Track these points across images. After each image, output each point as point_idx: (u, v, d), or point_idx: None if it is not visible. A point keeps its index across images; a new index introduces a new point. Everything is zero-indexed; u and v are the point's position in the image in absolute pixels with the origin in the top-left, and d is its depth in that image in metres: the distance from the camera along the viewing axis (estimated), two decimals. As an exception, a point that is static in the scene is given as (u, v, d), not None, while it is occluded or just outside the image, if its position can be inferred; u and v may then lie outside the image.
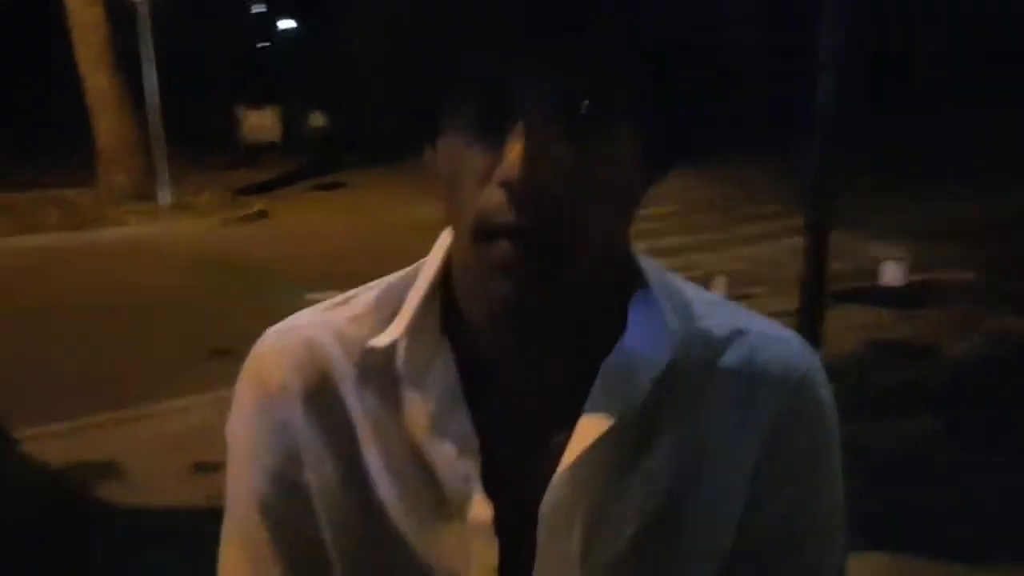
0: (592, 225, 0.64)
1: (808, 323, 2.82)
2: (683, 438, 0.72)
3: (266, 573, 0.73)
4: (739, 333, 0.75)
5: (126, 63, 11.87)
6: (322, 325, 0.77)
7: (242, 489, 0.76)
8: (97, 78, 11.73)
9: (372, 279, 0.81)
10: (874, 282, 8.08)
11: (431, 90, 0.65)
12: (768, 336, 0.76)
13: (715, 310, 0.77)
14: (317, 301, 0.82)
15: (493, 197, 0.62)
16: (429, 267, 0.75)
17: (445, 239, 0.75)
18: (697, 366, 0.73)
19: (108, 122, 12.00)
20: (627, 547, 0.71)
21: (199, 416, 5.04)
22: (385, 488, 0.72)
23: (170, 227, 11.29)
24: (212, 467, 4.39)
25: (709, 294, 0.80)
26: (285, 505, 0.74)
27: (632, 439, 0.71)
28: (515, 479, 0.71)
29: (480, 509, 0.70)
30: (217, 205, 12.30)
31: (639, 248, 0.77)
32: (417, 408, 0.72)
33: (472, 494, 0.70)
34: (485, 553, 0.70)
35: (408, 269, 0.78)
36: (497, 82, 0.61)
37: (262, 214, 12.36)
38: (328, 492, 0.73)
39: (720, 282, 6.84)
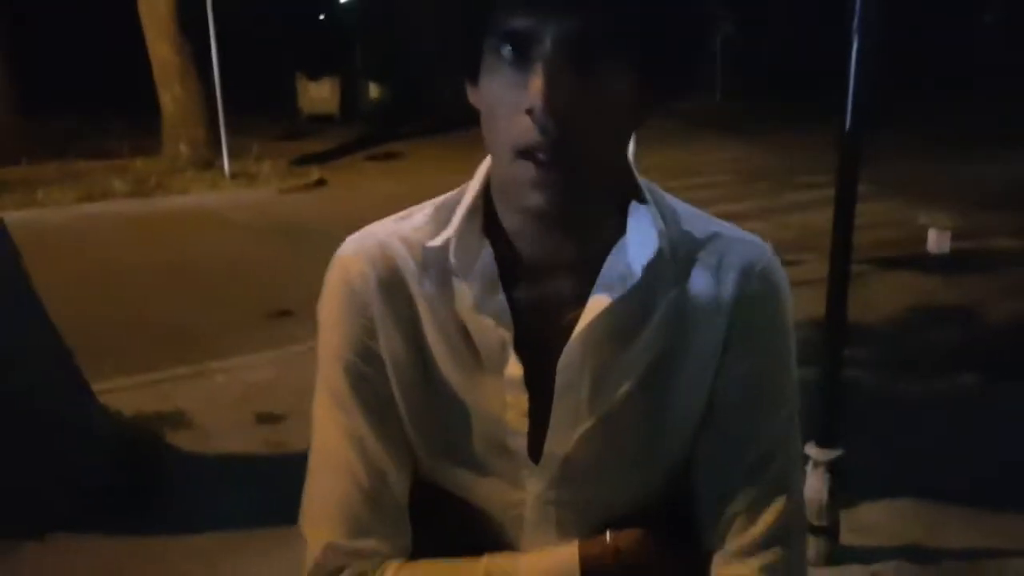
0: (597, 143, 0.83)
1: (836, 289, 2.96)
2: (669, 316, 0.92)
3: (348, 417, 0.94)
4: (715, 236, 0.95)
5: (190, 34, 12.21)
6: (390, 232, 0.98)
7: (329, 354, 0.96)
8: (162, 49, 12.11)
9: None
10: (921, 249, 8.09)
11: (474, 39, 0.85)
12: (737, 238, 0.96)
13: (697, 218, 0.97)
14: None
15: (522, 123, 0.81)
16: (473, 186, 0.96)
17: (484, 166, 0.96)
18: (681, 259, 0.93)
19: (172, 93, 12.38)
20: (624, 400, 0.91)
21: (262, 372, 5.34)
22: (440, 354, 0.93)
23: (232, 195, 11.66)
24: (273, 418, 4.69)
25: (694, 208, 1.00)
26: (363, 366, 0.94)
27: (629, 314, 0.91)
28: (540, 345, 0.92)
29: (513, 368, 0.91)
30: (277, 174, 12.64)
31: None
32: (464, 292, 0.92)
33: (507, 356, 0.91)
34: (518, 401, 0.91)
35: (455, 191, 0.99)
36: (524, 31, 0.81)
37: (320, 183, 12.67)
38: (396, 356, 0.94)
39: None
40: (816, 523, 3.12)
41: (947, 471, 3.78)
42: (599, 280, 0.91)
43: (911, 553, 3.19)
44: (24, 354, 3.74)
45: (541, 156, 0.81)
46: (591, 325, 0.89)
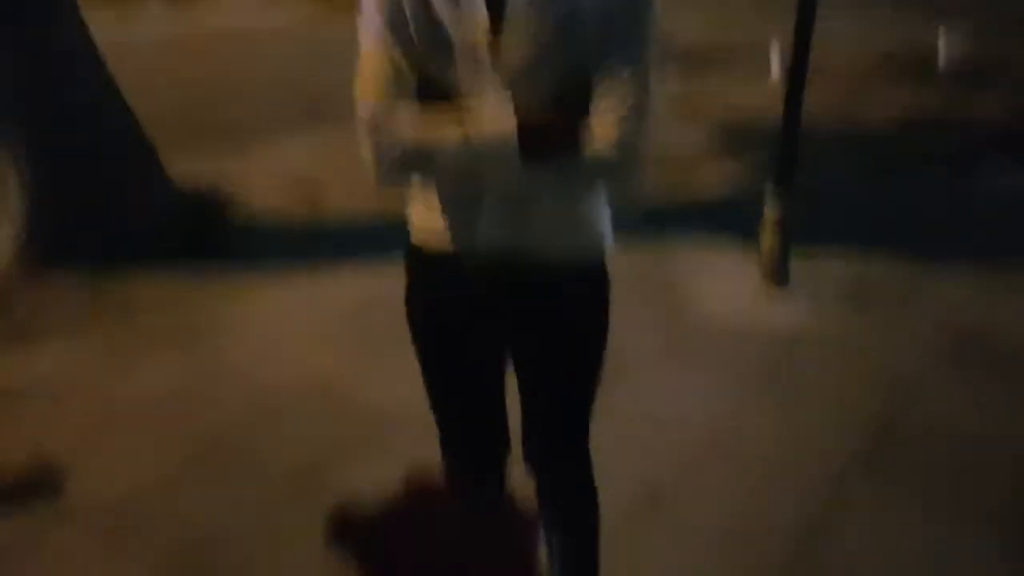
0: None
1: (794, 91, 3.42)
2: None
3: (383, 41, 1.44)
4: None
5: None
6: None
7: (370, 32, 1.47)
8: None
9: None
10: (932, 64, 8.36)
11: None
12: None
13: None
14: None
15: None
16: None
17: None
18: None
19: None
20: (552, 34, 1.40)
21: (299, 157, 5.94)
22: (440, 7, 1.40)
23: (262, 10, 11.96)
24: (313, 187, 5.33)
25: None
26: (393, 14, 1.42)
27: None
28: (498, 3, 1.39)
29: (481, 13, 1.39)
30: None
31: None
32: None
33: (481, 8, 1.39)
34: (484, 22, 1.40)
35: None
36: None
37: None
38: (413, 10, 1.41)
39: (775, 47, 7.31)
40: (770, 263, 3.73)
41: (890, 236, 4.37)
42: None
43: (853, 294, 3.80)
44: (116, 140, 4.48)
45: None
46: None
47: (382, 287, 3.93)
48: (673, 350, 3.43)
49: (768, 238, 3.73)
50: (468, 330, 1.64)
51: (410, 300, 1.70)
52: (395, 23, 1.44)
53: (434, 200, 1.55)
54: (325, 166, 5.72)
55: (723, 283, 3.90)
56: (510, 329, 1.63)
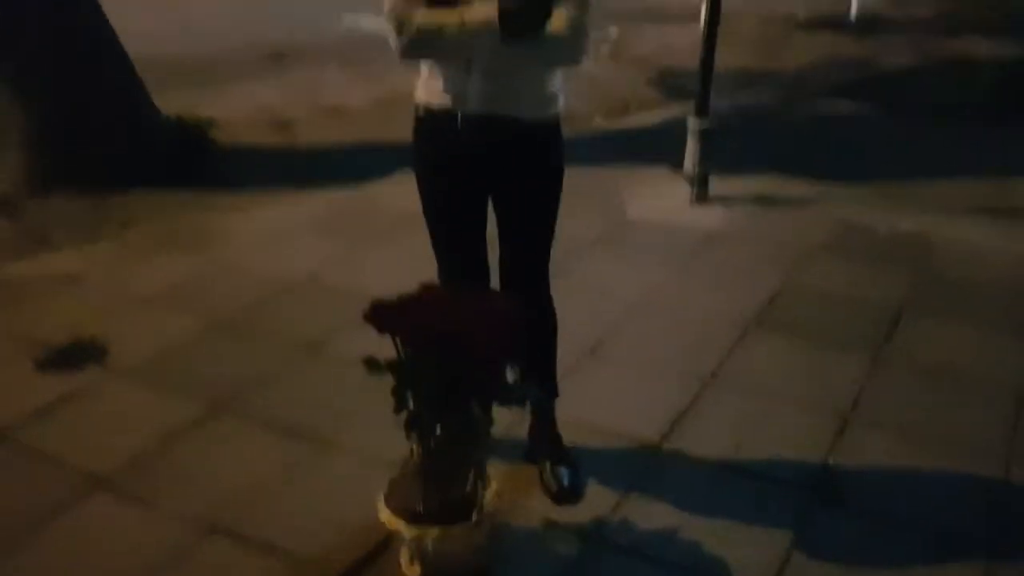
0: None
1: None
2: None
3: None
4: None
5: None
6: None
7: None
8: None
9: None
10: (846, 15, 9.14)
11: None
12: None
13: None
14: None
15: None
16: None
17: None
18: None
19: None
20: None
21: (270, 95, 6.43)
22: None
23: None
24: (283, 121, 5.84)
25: None
26: None
27: None
28: None
29: None
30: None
31: None
32: None
33: None
34: None
35: None
36: None
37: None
38: None
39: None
40: (691, 174, 4.39)
41: (801, 156, 5.08)
42: None
43: (758, 199, 4.50)
44: (112, 77, 4.98)
45: None
46: None
47: (352, 200, 4.58)
48: (613, 241, 4.10)
49: (690, 158, 4.38)
50: (459, 173, 2.24)
51: (416, 151, 2.29)
52: None
53: (437, 71, 2.14)
54: (291, 100, 6.24)
55: (654, 194, 4.56)
56: (491, 173, 2.23)
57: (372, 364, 2.04)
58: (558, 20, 2.01)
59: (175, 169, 4.92)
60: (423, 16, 2.01)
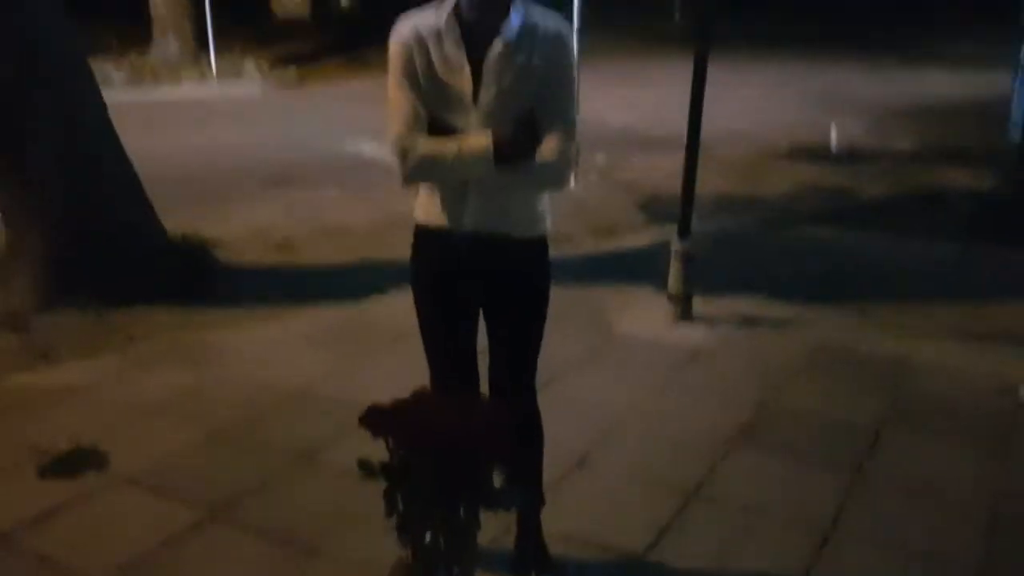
0: None
1: (693, 130, 4.33)
2: (528, 47, 2.20)
3: (402, 88, 2.20)
4: (545, 22, 2.24)
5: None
6: (415, 18, 2.25)
7: (393, 63, 2.23)
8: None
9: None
10: (826, 146, 9.57)
11: None
12: (553, 21, 2.25)
13: (542, 15, 2.25)
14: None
15: None
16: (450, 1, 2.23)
17: None
18: (531, 31, 2.21)
19: (164, -9, 13.28)
20: (511, 78, 2.19)
21: (273, 216, 6.66)
22: (437, 64, 2.20)
23: (221, 88, 12.72)
24: (285, 243, 6.04)
25: (543, 10, 2.28)
26: (407, 68, 2.20)
27: (512, 45, 2.18)
28: (477, 58, 2.19)
29: (466, 69, 2.19)
30: (259, 71, 13.67)
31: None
32: (448, 44, 2.20)
33: (464, 65, 2.19)
34: (467, 79, 2.19)
35: (446, 1, 2.22)
36: None
37: (299, 81, 13.75)
38: (420, 65, 2.20)
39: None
40: (675, 294, 4.56)
41: (783, 278, 5.27)
42: (501, 32, 2.20)
43: (741, 320, 4.65)
44: (120, 194, 5.23)
45: None
46: (495, 55, 2.20)
47: (349, 316, 4.72)
48: (600, 357, 4.23)
49: (674, 279, 4.57)
50: (453, 287, 2.39)
51: (414, 266, 2.45)
52: (410, 77, 2.23)
53: (435, 193, 2.33)
54: (293, 224, 6.47)
55: (640, 313, 4.72)
56: (483, 286, 2.38)
57: (366, 466, 2.13)
58: (546, 148, 2.21)
59: (178, 286, 5.08)
60: (425, 144, 2.22)
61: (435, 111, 2.24)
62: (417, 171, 2.24)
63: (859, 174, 8.39)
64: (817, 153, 9.29)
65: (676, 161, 8.14)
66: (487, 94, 2.22)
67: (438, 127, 2.24)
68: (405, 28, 2.25)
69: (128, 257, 5.08)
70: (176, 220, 5.62)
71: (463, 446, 2.09)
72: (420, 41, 2.22)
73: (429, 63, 2.22)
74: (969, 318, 4.83)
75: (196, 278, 5.21)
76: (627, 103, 11.54)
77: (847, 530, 2.92)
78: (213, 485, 3.17)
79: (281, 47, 17.00)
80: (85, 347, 4.40)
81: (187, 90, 12.41)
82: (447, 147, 2.21)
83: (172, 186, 6.43)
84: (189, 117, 10.89)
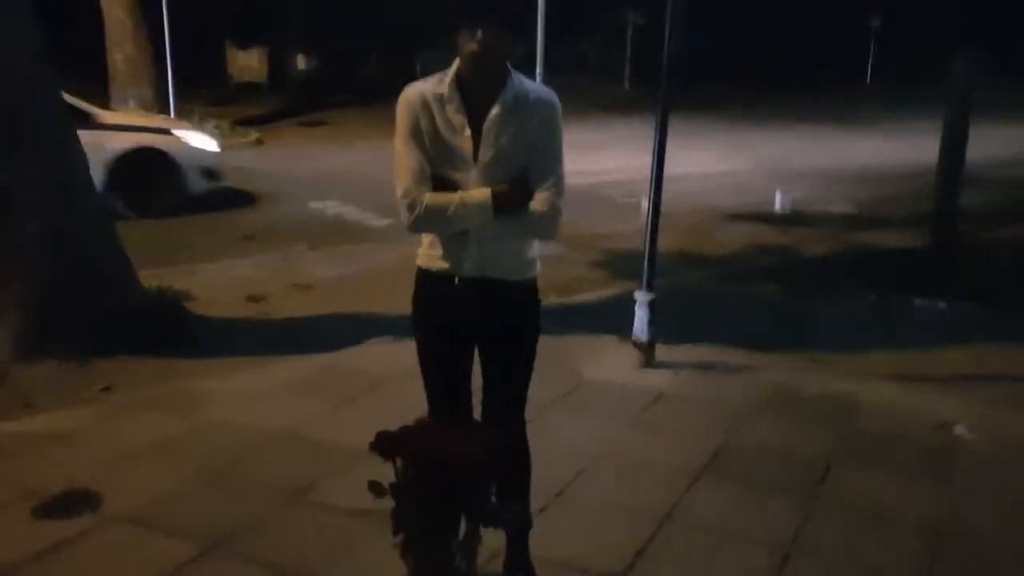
0: (501, 53, 2.42)
1: (655, 198, 4.68)
2: (521, 113, 2.48)
3: (409, 146, 2.46)
4: (536, 91, 2.54)
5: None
6: (421, 85, 2.52)
7: (401, 124, 2.49)
8: (116, 11, 13.21)
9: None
10: (770, 208, 10.07)
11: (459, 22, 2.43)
12: (543, 91, 2.55)
13: (534, 85, 2.55)
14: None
15: (474, 45, 2.38)
16: (453, 68, 2.49)
17: (456, 62, 2.48)
18: (524, 99, 2.49)
19: (124, 52, 13.50)
20: (507, 140, 2.45)
21: (244, 272, 6.84)
22: (441, 127, 2.46)
23: (181, 149, 12.91)
24: (258, 297, 6.22)
25: (532, 82, 2.57)
26: (414, 130, 2.46)
27: (509, 110, 2.46)
28: (476, 123, 2.46)
29: (466, 132, 2.46)
30: (219, 133, 13.89)
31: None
32: (450, 110, 2.47)
33: (466, 128, 2.46)
34: (469, 140, 2.46)
35: (449, 71, 2.51)
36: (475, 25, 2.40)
37: (260, 142, 14.00)
38: (425, 127, 2.45)
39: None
40: (640, 341, 4.84)
41: (737, 328, 5.60)
42: (499, 99, 2.47)
43: (701, 365, 4.95)
44: (95, 243, 5.37)
45: (479, 57, 2.41)
46: (493, 119, 2.47)
47: (327, 365, 4.89)
48: (571, 400, 4.48)
49: (639, 327, 4.86)
50: (452, 326, 2.63)
51: (416, 306, 2.69)
52: (416, 137, 2.50)
53: (438, 240, 2.58)
54: (265, 278, 6.65)
55: (607, 360, 4.99)
56: (480, 325, 2.63)
57: (376, 488, 2.34)
58: (537, 201, 2.49)
59: (154, 338, 5.21)
60: (431, 197, 2.47)
61: (438, 168, 2.50)
62: (423, 221, 2.49)
63: (802, 235, 8.88)
64: (762, 216, 9.79)
65: (631, 221, 8.58)
66: (486, 153, 2.48)
67: (441, 182, 2.50)
68: (412, 93, 2.51)
69: (106, 309, 5.21)
70: (145, 274, 5.77)
71: (464, 466, 2.31)
72: (426, 106, 2.49)
73: (434, 125, 2.48)
74: (904, 363, 5.22)
75: (172, 330, 5.35)
76: (581, 167, 11.99)
77: (805, 549, 3.17)
78: (207, 522, 3.31)
79: (240, 109, 17.32)
80: (67, 396, 4.52)
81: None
82: (451, 199, 2.46)
83: (137, 241, 6.58)
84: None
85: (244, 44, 22.60)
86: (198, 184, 9.14)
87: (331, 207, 9.54)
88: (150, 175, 8.82)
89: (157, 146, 8.93)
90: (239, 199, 9.84)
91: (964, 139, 7.47)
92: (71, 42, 14.77)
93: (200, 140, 9.63)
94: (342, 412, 4.31)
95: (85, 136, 5.57)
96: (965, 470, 3.84)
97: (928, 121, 10.00)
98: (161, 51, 13.16)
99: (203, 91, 18.19)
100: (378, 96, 15.82)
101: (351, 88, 20.55)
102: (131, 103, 13.76)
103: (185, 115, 13.99)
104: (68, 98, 6.13)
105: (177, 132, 9.52)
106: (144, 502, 3.44)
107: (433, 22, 17.43)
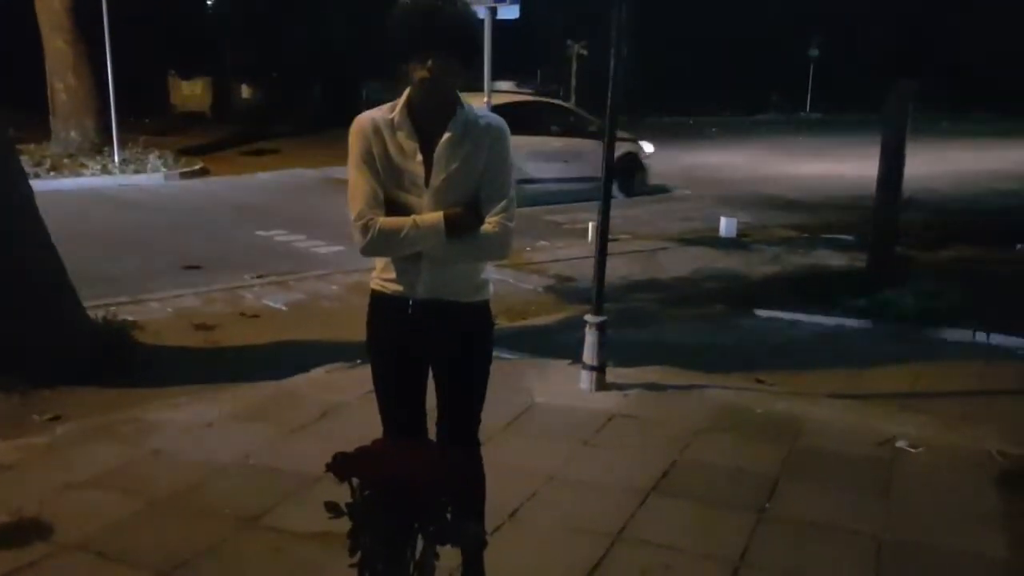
0: (452, 82, 2.51)
1: (603, 221, 4.77)
2: (470, 138, 2.54)
3: (362, 172, 2.51)
4: (486, 117, 2.61)
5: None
6: (373, 113, 2.58)
7: (353, 150, 2.53)
8: (56, 41, 13.05)
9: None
10: (715, 234, 10.28)
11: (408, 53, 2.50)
12: (493, 117, 2.62)
13: (482, 112, 2.62)
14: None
15: (424, 72, 2.45)
16: (403, 97, 2.57)
17: (407, 91, 2.57)
18: (474, 125, 2.56)
19: (65, 82, 13.31)
20: (458, 164, 2.52)
21: (189, 300, 6.78)
22: (393, 153, 2.52)
23: (124, 179, 12.73)
24: (206, 326, 6.16)
25: (483, 108, 2.65)
26: (366, 155, 2.51)
27: (456, 143, 2.53)
28: (428, 148, 2.53)
29: (418, 157, 2.52)
30: (163, 162, 13.75)
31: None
32: (401, 136, 2.53)
33: (417, 153, 2.52)
34: (421, 165, 2.52)
35: (400, 99, 2.59)
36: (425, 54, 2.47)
37: (204, 171, 13.88)
38: (378, 153, 2.51)
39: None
40: (590, 364, 4.92)
41: (684, 351, 5.71)
42: (449, 125, 2.54)
43: (650, 386, 5.03)
44: (40, 273, 5.29)
45: (428, 84, 2.48)
46: (444, 144, 2.54)
47: (275, 393, 4.88)
48: (524, 423, 4.51)
49: (589, 350, 4.94)
50: (406, 348, 2.67)
51: (370, 329, 2.72)
52: (369, 163, 2.55)
53: (391, 263, 2.62)
54: (214, 308, 6.60)
55: (558, 383, 5.05)
56: (432, 347, 2.67)
57: (333, 508, 2.35)
58: (488, 223, 2.55)
59: (100, 368, 5.15)
60: (385, 220, 2.51)
61: (391, 192, 2.55)
62: (377, 243, 2.53)
63: (746, 257, 9.10)
64: (707, 241, 10.01)
65: (580, 248, 8.69)
66: (437, 177, 2.54)
67: (394, 206, 2.55)
68: (364, 120, 2.57)
69: (51, 338, 5.14)
70: (91, 304, 5.69)
71: (421, 485, 2.34)
72: (377, 132, 2.54)
73: (386, 151, 2.54)
74: (847, 381, 5.37)
75: (119, 360, 5.29)
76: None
77: (754, 563, 3.24)
78: (161, 549, 3.27)
79: (183, 139, 17.18)
80: (12, 427, 4.43)
81: (90, 181, 12.37)
82: (404, 222, 2.51)
83: (83, 271, 6.49)
84: (95, 207, 10.89)
85: (187, 74, 22.48)
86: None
87: (278, 236, 9.51)
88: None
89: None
90: (182, 228, 9.75)
91: (900, 167, 7.69)
92: (8, 72, 14.58)
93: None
94: (294, 439, 4.30)
95: None
96: (908, 484, 3.97)
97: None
98: (103, 81, 12.95)
99: (146, 121, 18.01)
100: (323, 125, 15.84)
101: (296, 118, 20.52)
102: (72, 133, 13.56)
103: (127, 146, 13.81)
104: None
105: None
106: (97, 531, 3.39)
107: (378, 52, 17.57)
